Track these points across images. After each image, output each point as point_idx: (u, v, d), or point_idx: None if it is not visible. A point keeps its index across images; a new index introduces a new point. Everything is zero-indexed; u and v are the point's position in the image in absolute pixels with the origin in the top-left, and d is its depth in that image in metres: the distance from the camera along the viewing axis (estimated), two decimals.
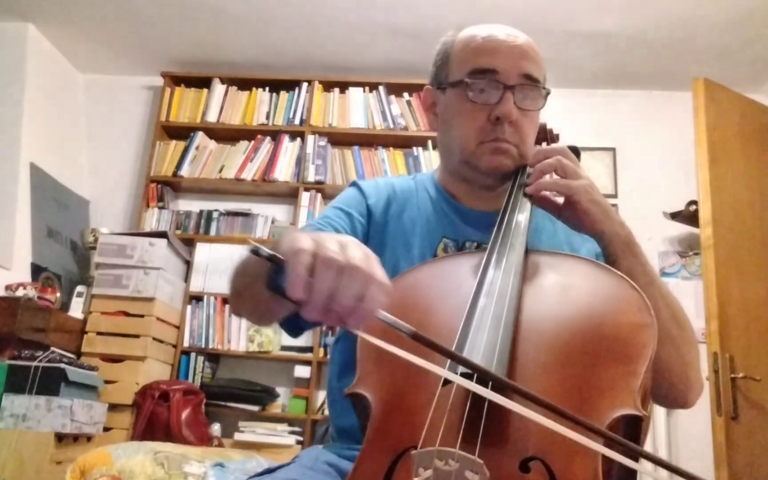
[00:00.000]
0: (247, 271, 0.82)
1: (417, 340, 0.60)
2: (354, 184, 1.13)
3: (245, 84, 3.67)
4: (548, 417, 0.57)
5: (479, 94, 1.00)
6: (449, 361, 0.70)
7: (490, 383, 0.66)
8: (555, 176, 0.95)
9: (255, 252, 0.61)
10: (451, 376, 0.62)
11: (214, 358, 3.28)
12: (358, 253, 0.61)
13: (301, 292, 0.59)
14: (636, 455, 0.61)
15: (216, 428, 3.00)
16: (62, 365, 2.49)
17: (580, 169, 0.95)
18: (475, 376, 0.66)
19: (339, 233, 1.00)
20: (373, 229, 1.06)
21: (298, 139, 3.53)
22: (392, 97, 3.54)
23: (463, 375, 0.67)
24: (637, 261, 0.90)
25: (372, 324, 0.61)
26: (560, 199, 0.95)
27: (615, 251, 0.90)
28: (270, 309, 0.82)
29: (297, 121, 3.56)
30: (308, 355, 3.19)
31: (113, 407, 2.80)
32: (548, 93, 1.04)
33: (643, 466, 0.61)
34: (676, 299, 0.91)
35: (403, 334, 0.60)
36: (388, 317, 0.60)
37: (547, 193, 0.95)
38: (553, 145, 1.01)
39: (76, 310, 3.10)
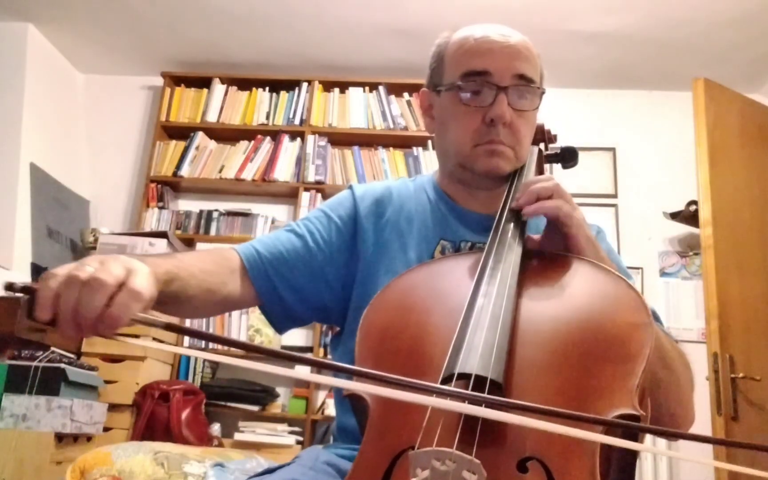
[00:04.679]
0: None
1: (170, 330, 0.65)
2: (350, 187, 1.13)
3: (245, 84, 3.67)
4: (544, 419, 0.57)
5: (473, 97, 0.99)
6: (447, 360, 0.70)
7: (488, 383, 0.66)
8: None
9: (8, 288, 0.65)
10: (437, 403, 0.61)
11: None
12: (113, 267, 0.65)
13: (45, 315, 0.63)
14: (635, 430, 0.61)
15: (216, 428, 3.00)
16: (62, 365, 2.49)
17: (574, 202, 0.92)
18: (471, 382, 0.66)
19: (313, 234, 1.04)
20: (364, 234, 1.05)
21: (298, 139, 3.54)
22: (392, 97, 3.55)
23: (459, 376, 0.67)
24: None
25: (126, 324, 0.65)
26: (538, 236, 0.93)
27: None
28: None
29: (297, 121, 3.56)
30: (308, 355, 3.19)
31: (113, 407, 2.80)
32: (543, 92, 1.03)
33: (644, 446, 0.61)
34: (667, 338, 0.88)
35: (158, 327, 0.65)
36: (143, 316, 0.66)
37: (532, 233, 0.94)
38: (548, 175, 0.99)
39: None
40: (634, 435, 0.68)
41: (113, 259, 0.67)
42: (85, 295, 0.63)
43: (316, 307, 1.05)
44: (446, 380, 0.67)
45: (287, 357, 0.63)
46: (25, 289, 0.64)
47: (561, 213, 0.87)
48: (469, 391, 0.64)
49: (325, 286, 1.03)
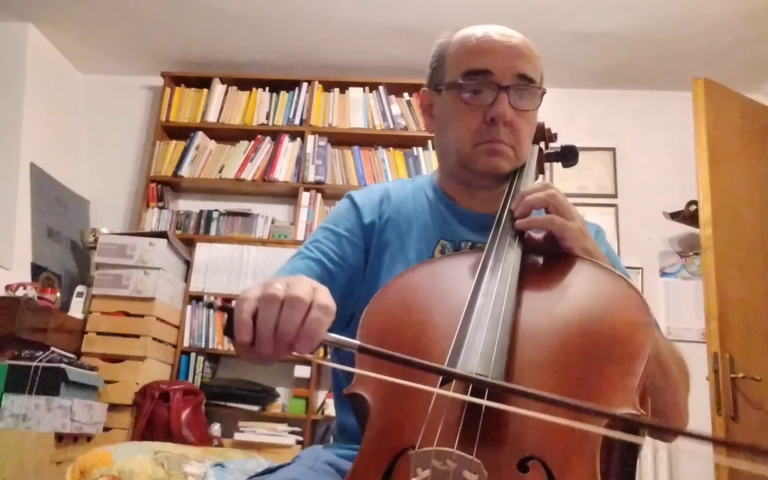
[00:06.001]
0: None
1: (364, 352, 0.65)
2: (348, 197, 1.12)
3: (245, 84, 3.67)
4: (547, 411, 0.57)
5: (474, 96, 1.00)
6: (448, 360, 0.70)
7: (487, 388, 0.66)
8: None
9: (209, 305, 0.65)
10: (442, 392, 0.62)
11: (214, 358, 3.28)
12: (301, 286, 0.67)
13: (247, 336, 0.65)
14: (636, 426, 0.61)
15: (216, 428, 3.00)
16: (62, 365, 2.49)
17: (572, 208, 0.90)
18: (473, 376, 0.66)
19: (328, 255, 1.03)
20: (371, 239, 1.06)
21: (298, 139, 3.54)
22: (392, 97, 3.55)
23: (459, 378, 0.67)
24: None
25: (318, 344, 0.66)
26: (539, 235, 0.91)
27: None
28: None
29: (297, 121, 3.56)
30: (308, 355, 3.19)
31: (113, 407, 2.80)
32: (544, 92, 1.03)
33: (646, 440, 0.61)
34: (665, 343, 0.87)
35: (352, 349, 0.65)
36: (334, 337, 0.66)
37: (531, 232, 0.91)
38: (545, 182, 0.99)
39: (76, 310, 3.10)
40: (635, 432, 0.68)
41: (297, 278, 0.69)
42: (285, 313, 0.65)
43: (347, 321, 1.05)
44: (447, 380, 0.67)
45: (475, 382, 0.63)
46: (223, 309, 0.69)
47: (554, 228, 0.87)
48: (474, 375, 0.64)
49: (353, 300, 1.02)
